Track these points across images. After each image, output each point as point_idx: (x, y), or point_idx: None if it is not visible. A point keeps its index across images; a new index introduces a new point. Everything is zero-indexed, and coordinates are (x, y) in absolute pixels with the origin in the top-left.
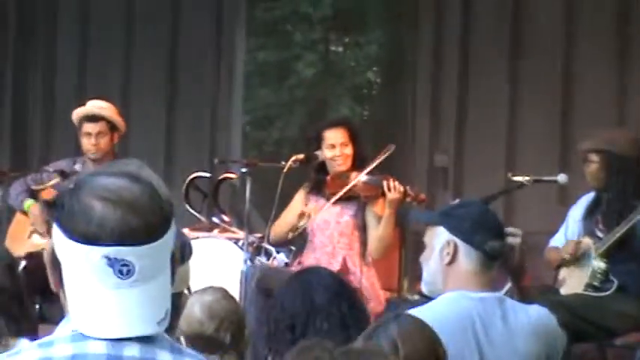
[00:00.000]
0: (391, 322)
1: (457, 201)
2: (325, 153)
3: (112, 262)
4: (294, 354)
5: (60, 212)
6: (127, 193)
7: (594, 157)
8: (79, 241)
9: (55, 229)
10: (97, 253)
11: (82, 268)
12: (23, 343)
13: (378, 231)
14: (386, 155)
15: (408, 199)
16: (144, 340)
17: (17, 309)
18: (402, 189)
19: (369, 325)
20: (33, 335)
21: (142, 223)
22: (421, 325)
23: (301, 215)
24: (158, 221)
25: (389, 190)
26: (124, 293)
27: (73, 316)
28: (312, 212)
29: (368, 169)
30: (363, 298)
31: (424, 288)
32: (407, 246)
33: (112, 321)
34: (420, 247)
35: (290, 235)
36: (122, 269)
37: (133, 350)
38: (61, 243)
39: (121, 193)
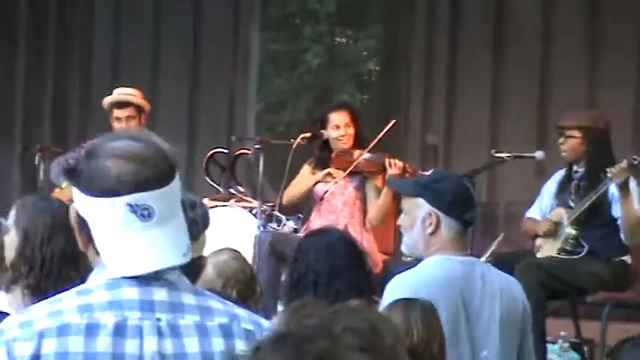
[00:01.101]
0: (409, 307)
1: (431, 172)
2: (330, 133)
3: (133, 208)
4: (290, 311)
5: (79, 177)
6: (134, 149)
7: (576, 133)
8: (102, 196)
9: (77, 193)
10: (119, 203)
11: (108, 219)
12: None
13: (379, 201)
14: (388, 129)
15: (407, 175)
16: (170, 285)
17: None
18: (401, 165)
19: (376, 291)
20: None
21: (152, 172)
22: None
23: (328, 174)
24: (165, 168)
25: (390, 166)
26: (149, 233)
27: (108, 263)
28: (337, 176)
29: (371, 146)
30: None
31: (405, 250)
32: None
33: (143, 258)
34: None
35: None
36: (144, 212)
37: (161, 294)
38: (84, 203)
39: (130, 150)
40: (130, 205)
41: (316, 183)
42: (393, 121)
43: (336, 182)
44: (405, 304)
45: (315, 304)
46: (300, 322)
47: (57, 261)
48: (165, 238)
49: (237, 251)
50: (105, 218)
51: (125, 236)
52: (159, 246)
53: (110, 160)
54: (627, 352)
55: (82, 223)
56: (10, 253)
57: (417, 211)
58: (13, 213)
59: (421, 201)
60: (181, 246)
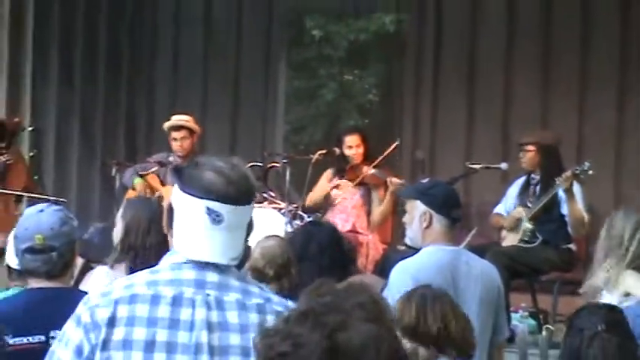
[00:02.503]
0: (431, 297)
1: (427, 180)
2: (345, 151)
3: (210, 211)
4: (308, 292)
5: (181, 176)
6: (230, 171)
7: (532, 148)
8: (193, 195)
9: (175, 187)
10: (201, 204)
11: (190, 214)
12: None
13: (380, 208)
14: (391, 150)
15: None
16: (221, 271)
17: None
18: (399, 182)
19: (353, 269)
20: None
21: (234, 192)
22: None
23: (337, 186)
24: (245, 194)
25: (391, 183)
26: (214, 233)
27: (180, 245)
28: (342, 188)
29: (376, 162)
30: (367, 249)
31: (408, 241)
32: (398, 214)
33: (204, 249)
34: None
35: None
36: (215, 218)
37: (213, 276)
38: (178, 196)
39: (226, 171)
40: (208, 209)
41: (332, 188)
42: (396, 144)
43: (341, 190)
44: (421, 293)
45: (327, 285)
46: (318, 300)
47: (153, 249)
48: (225, 242)
49: (278, 238)
50: (187, 212)
51: (197, 230)
52: (217, 245)
53: (209, 172)
54: (584, 318)
55: (170, 211)
56: (116, 240)
57: (415, 210)
58: (121, 209)
59: (418, 203)
60: (234, 252)
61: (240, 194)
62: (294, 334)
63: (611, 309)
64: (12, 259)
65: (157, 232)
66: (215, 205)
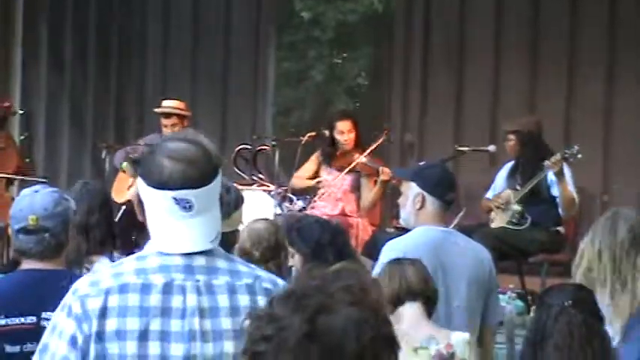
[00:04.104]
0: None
1: (423, 162)
2: (336, 136)
3: (178, 201)
4: (301, 273)
5: (142, 168)
6: (186, 152)
7: (511, 136)
8: (155, 188)
9: (139, 179)
10: (167, 196)
11: (158, 206)
12: (103, 260)
13: (371, 195)
14: (382, 139)
15: (393, 181)
16: (207, 253)
17: (101, 232)
18: (389, 171)
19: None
20: (110, 255)
21: (197, 173)
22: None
23: (319, 182)
24: (209, 171)
25: (382, 172)
26: (187, 222)
27: (157, 239)
28: (324, 181)
29: (368, 151)
30: (356, 231)
31: (402, 222)
32: (386, 198)
33: (180, 241)
34: (393, 197)
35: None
36: (185, 205)
37: (200, 261)
38: (143, 189)
39: (183, 153)
40: (175, 199)
41: (317, 182)
42: (385, 131)
43: (324, 185)
44: (399, 261)
45: (320, 268)
46: (306, 282)
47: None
48: (200, 227)
49: (271, 223)
50: (155, 204)
51: (169, 222)
52: (194, 233)
53: (165, 160)
54: (553, 294)
55: (141, 203)
56: None
57: (410, 191)
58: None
59: (413, 184)
60: (211, 234)
61: (203, 175)
62: (277, 317)
63: (580, 287)
64: None
65: (83, 213)
66: (181, 193)
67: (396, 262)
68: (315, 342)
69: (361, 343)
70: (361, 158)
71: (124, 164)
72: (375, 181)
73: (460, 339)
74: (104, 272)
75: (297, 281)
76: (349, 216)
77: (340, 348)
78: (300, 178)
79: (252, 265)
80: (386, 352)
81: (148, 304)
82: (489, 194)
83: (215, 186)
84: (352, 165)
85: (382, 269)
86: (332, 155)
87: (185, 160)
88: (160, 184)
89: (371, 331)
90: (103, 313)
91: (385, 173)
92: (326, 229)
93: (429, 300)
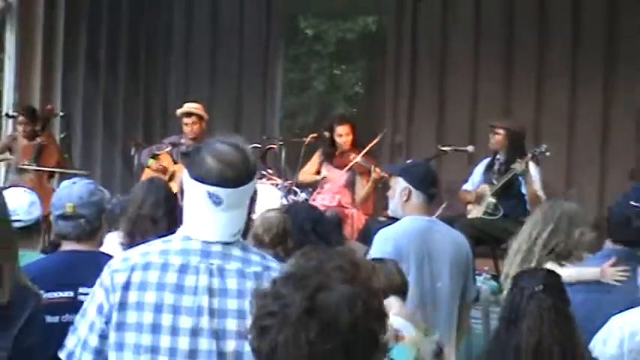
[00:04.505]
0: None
1: (410, 160)
2: (336, 138)
3: (210, 195)
4: (299, 255)
5: (188, 161)
6: (227, 155)
7: (501, 131)
8: (194, 179)
9: (185, 171)
10: (203, 189)
11: (193, 196)
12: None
13: (364, 191)
14: (376, 140)
15: (383, 179)
16: (224, 242)
17: (167, 222)
18: (381, 173)
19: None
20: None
21: (232, 175)
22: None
23: (324, 178)
24: (244, 175)
25: (374, 172)
26: (214, 215)
27: (186, 224)
28: (326, 177)
29: (363, 152)
30: (352, 220)
31: (390, 212)
32: (378, 192)
33: (204, 229)
34: (384, 190)
35: (312, 182)
36: (216, 200)
37: (217, 247)
38: (185, 178)
39: (224, 155)
40: (209, 193)
41: (323, 178)
42: (380, 135)
43: (326, 181)
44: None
45: (316, 251)
46: (304, 263)
47: (147, 219)
48: (225, 221)
49: (280, 212)
50: (192, 194)
51: (199, 211)
52: (218, 226)
53: (209, 157)
54: (525, 278)
55: (182, 190)
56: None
57: (397, 185)
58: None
59: (401, 179)
60: (233, 229)
61: (237, 177)
62: (280, 295)
63: (550, 273)
64: None
65: (151, 205)
66: (215, 190)
67: (380, 261)
68: (313, 317)
69: (354, 315)
70: (357, 159)
71: (150, 161)
72: (368, 179)
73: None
74: (136, 250)
75: (296, 263)
76: (345, 207)
77: (336, 321)
78: (306, 173)
79: (268, 257)
80: (377, 323)
81: (165, 281)
82: (467, 186)
83: (247, 189)
84: (350, 165)
85: None
86: (332, 154)
87: (225, 161)
88: (199, 178)
89: (363, 305)
90: (127, 286)
91: (377, 172)
92: (309, 218)
93: (404, 295)
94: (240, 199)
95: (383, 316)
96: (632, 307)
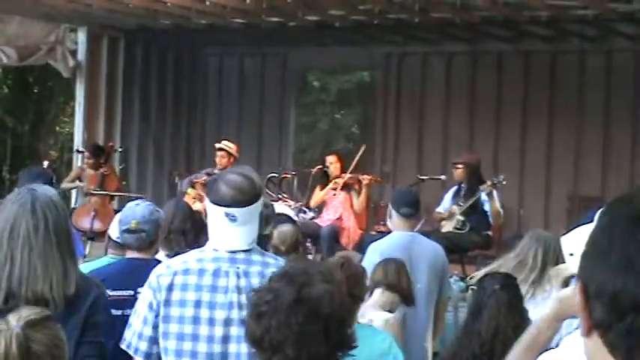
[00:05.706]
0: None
1: (396, 187)
2: (328, 166)
3: (227, 214)
4: (291, 260)
5: (208, 189)
6: (237, 182)
7: (460, 166)
8: (214, 204)
9: (207, 199)
10: (221, 211)
11: (214, 216)
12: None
13: (360, 198)
14: (360, 153)
15: (373, 182)
16: (246, 251)
17: (193, 234)
18: (369, 177)
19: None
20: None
21: (243, 198)
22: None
23: (334, 184)
24: (252, 197)
25: (363, 179)
26: (232, 229)
27: (212, 238)
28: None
29: (350, 169)
30: (349, 232)
31: (383, 227)
32: (369, 210)
33: (227, 242)
34: (375, 209)
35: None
36: (232, 218)
37: (241, 255)
38: (208, 204)
39: (235, 182)
40: (226, 213)
41: (328, 191)
42: (363, 148)
43: (335, 194)
44: (386, 260)
45: (302, 259)
46: (294, 266)
47: (178, 233)
48: (241, 234)
49: (291, 225)
50: (213, 215)
51: (220, 228)
52: (238, 237)
53: (223, 185)
54: (487, 280)
55: (206, 213)
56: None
57: (387, 208)
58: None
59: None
60: (249, 239)
61: (246, 199)
62: (274, 288)
63: (507, 276)
64: (114, 233)
65: (179, 221)
66: (230, 210)
67: (389, 261)
68: (301, 306)
69: (331, 307)
70: (347, 176)
71: (189, 190)
72: (361, 189)
73: (382, 319)
74: (177, 259)
75: (288, 265)
76: (345, 221)
77: (318, 310)
78: (315, 197)
79: (281, 260)
80: (347, 314)
81: (202, 283)
82: (439, 209)
83: (255, 207)
84: (342, 182)
85: (375, 265)
86: (325, 181)
87: (236, 188)
88: (217, 202)
89: (338, 300)
90: (170, 287)
91: (365, 179)
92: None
93: (397, 292)
94: (252, 215)
95: (352, 310)
96: None
